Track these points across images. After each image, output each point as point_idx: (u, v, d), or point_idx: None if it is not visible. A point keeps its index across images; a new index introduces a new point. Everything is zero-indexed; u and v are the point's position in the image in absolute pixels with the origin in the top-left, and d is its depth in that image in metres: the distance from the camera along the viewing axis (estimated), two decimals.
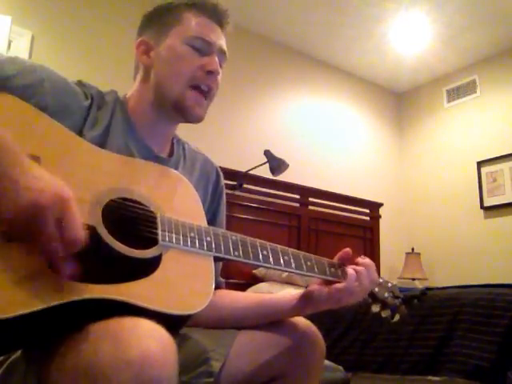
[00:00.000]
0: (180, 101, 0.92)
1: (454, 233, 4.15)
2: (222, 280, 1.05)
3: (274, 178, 3.34)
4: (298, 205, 3.77)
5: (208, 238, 0.79)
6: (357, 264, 0.91)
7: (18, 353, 0.71)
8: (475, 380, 1.78)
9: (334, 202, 3.96)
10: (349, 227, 3.96)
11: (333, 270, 0.90)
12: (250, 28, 3.89)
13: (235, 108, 3.72)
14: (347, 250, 0.94)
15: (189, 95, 0.92)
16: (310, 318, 0.95)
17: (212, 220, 1.02)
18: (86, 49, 3.10)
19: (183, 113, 0.93)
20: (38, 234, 0.59)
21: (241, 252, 0.81)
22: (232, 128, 3.70)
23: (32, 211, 0.58)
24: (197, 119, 0.95)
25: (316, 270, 0.88)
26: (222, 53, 0.97)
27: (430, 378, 1.95)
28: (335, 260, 0.94)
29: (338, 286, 0.86)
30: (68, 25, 3.07)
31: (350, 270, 0.88)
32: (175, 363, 0.56)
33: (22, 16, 2.85)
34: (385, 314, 0.94)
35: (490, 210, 3.96)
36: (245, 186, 3.38)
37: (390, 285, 0.98)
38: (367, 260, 0.92)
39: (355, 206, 4.08)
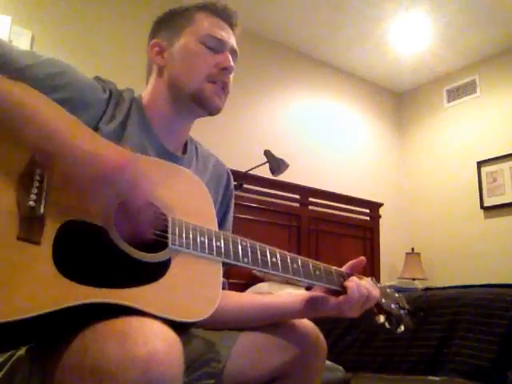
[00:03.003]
0: (199, 93, 0.94)
1: (453, 233, 4.14)
2: (225, 281, 1.04)
3: (274, 177, 3.34)
4: (297, 205, 3.77)
5: (218, 243, 0.79)
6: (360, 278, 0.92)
7: (23, 351, 0.71)
8: (475, 380, 1.77)
9: (333, 202, 3.96)
10: (349, 227, 3.96)
11: (341, 280, 0.90)
12: (249, 28, 3.89)
13: (235, 108, 3.71)
14: (362, 258, 0.95)
15: (208, 87, 0.94)
16: (310, 318, 0.95)
17: (221, 223, 1.02)
18: (86, 49, 3.10)
19: (203, 104, 0.95)
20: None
21: (250, 259, 0.81)
22: (232, 128, 3.70)
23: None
24: (216, 109, 0.98)
25: (324, 279, 0.89)
26: (233, 51, 1.00)
27: (430, 377, 1.95)
28: (347, 266, 0.94)
29: (341, 298, 0.87)
30: (68, 25, 3.07)
31: (350, 283, 0.88)
32: (181, 363, 0.56)
33: (22, 16, 2.85)
34: (389, 324, 0.94)
35: (490, 210, 3.96)
36: (245, 185, 3.37)
37: (396, 295, 0.98)
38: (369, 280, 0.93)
39: (355, 206, 4.08)
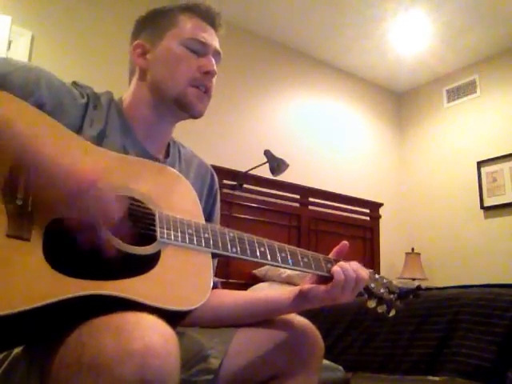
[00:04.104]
0: (181, 97, 0.94)
1: (453, 233, 4.15)
2: (218, 280, 1.05)
3: (274, 177, 3.34)
4: (297, 205, 3.77)
5: (206, 235, 0.80)
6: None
7: (20, 349, 0.71)
8: (475, 380, 1.77)
9: (334, 202, 3.96)
10: (349, 227, 3.96)
11: (329, 266, 0.91)
12: (250, 28, 3.89)
13: (235, 108, 3.72)
14: (344, 242, 0.96)
15: (190, 91, 0.94)
16: (309, 317, 0.95)
17: (207, 222, 1.02)
18: (86, 49, 3.10)
19: (185, 108, 0.95)
20: (84, 211, 0.67)
21: (238, 249, 0.82)
22: (232, 128, 3.70)
23: (77, 193, 0.66)
24: (198, 114, 0.97)
25: (313, 266, 0.90)
26: (217, 53, 1.00)
27: (430, 377, 1.95)
28: (332, 253, 0.95)
29: (329, 285, 0.88)
30: (68, 25, 3.07)
31: (335, 267, 0.89)
32: (177, 356, 0.57)
33: (22, 16, 2.86)
34: (381, 309, 0.96)
35: (490, 210, 3.96)
36: (245, 185, 3.38)
37: (385, 281, 0.99)
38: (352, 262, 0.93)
39: (355, 206, 4.08)
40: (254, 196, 3.49)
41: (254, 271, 3.22)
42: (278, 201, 3.64)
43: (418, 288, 1.00)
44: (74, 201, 0.66)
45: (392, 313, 0.96)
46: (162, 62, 0.95)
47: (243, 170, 3.34)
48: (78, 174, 0.68)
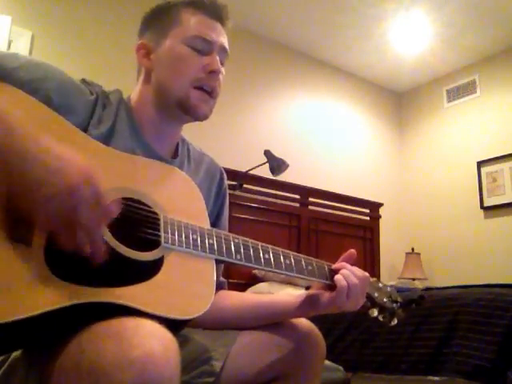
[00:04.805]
0: (184, 100, 0.91)
1: (454, 233, 4.14)
2: (224, 280, 1.04)
3: (274, 177, 3.34)
4: (298, 205, 3.77)
5: (211, 241, 0.79)
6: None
7: (19, 352, 0.71)
8: (475, 380, 1.77)
9: (334, 202, 3.96)
10: (349, 227, 3.96)
11: (333, 274, 0.90)
12: (249, 28, 3.89)
13: (235, 108, 3.71)
14: (352, 251, 0.95)
15: (193, 94, 0.91)
16: (310, 318, 0.95)
17: (215, 221, 1.01)
18: (86, 49, 3.10)
19: (188, 111, 0.92)
20: (74, 214, 0.61)
21: (243, 255, 0.81)
22: (232, 128, 3.70)
23: (66, 193, 0.60)
24: (202, 117, 0.94)
25: (317, 274, 0.89)
26: (222, 50, 0.95)
27: (430, 377, 1.95)
28: (339, 262, 0.94)
29: (333, 293, 0.87)
30: (68, 25, 3.07)
31: (337, 275, 0.88)
32: (177, 363, 0.56)
33: (22, 16, 2.86)
34: (383, 318, 0.95)
35: (490, 210, 3.96)
36: (245, 185, 3.38)
37: (388, 289, 0.99)
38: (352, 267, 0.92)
39: (355, 206, 4.08)
40: (254, 196, 3.49)
41: (254, 271, 3.22)
42: (278, 201, 3.63)
43: (421, 297, 1.00)
44: (63, 201, 0.60)
45: (394, 322, 0.96)
46: (164, 63, 0.92)
47: (243, 170, 3.33)
48: (67, 169, 0.61)
